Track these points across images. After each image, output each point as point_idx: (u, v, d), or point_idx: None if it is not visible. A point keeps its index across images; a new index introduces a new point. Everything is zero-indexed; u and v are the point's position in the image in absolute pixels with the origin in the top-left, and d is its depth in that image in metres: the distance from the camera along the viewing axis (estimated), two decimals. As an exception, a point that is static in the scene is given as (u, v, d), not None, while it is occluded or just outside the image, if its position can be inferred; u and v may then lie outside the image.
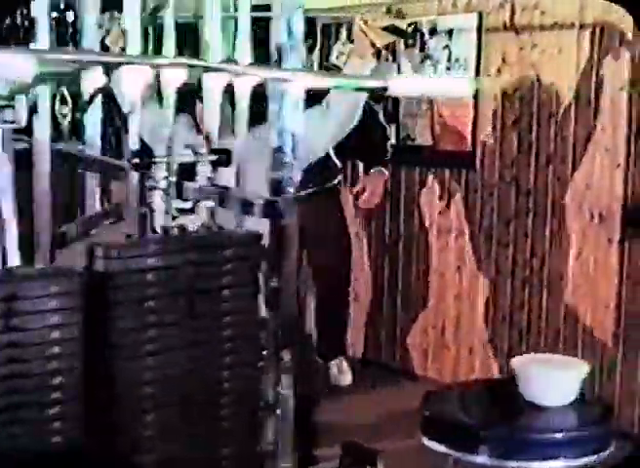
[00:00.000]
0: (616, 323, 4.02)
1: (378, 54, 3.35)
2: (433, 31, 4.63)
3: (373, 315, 5.04)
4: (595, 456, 2.18)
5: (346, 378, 4.69)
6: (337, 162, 4.46)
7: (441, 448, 2.20)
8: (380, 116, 4.56)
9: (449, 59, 4.56)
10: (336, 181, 4.54)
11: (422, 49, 4.67)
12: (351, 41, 5.05)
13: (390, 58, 4.79)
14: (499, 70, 4.39)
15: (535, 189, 4.30)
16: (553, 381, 2.27)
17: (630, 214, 3.98)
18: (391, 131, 4.75)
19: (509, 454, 2.14)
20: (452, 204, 4.65)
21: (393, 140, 4.80)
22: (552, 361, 2.41)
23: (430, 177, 4.75)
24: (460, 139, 4.55)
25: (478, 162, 4.51)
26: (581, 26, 4.03)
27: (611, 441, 2.26)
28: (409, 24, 4.68)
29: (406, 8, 4.72)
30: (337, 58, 5.05)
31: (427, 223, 4.79)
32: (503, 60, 4.36)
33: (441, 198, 4.71)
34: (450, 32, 4.56)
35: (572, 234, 4.18)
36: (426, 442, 2.22)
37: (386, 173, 4.62)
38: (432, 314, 4.78)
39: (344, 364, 4.72)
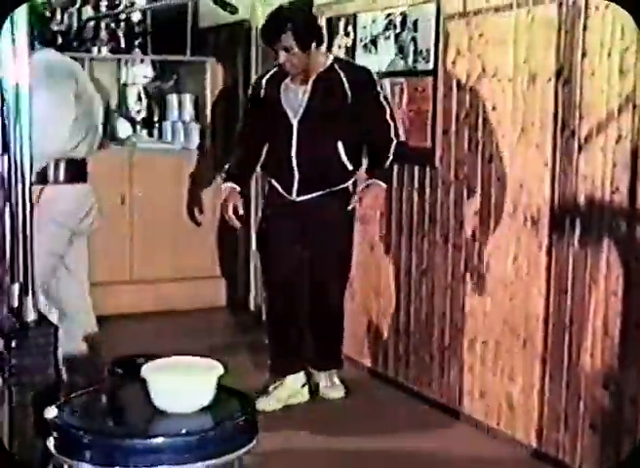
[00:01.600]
0: (544, 334, 3.70)
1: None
2: (404, 22, 4.44)
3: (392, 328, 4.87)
4: (211, 461, 2.06)
5: (336, 393, 4.50)
6: (347, 164, 4.25)
7: (54, 452, 2.15)
8: (387, 113, 4.26)
9: (415, 51, 4.36)
10: (346, 184, 4.30)
11: (397, 40, 4.49)
12: (347, 34, 4.96)
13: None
14: (453, 62, 4.14)
15: (481, 189, 4.02)
16: (175, 389, 2.16)
17: (557, 218, 3.64)
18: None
19: (113, 461, 2.07)
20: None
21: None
22: (182, 366, 2.27)
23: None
24: (422, 135, 4.34)
25: (437, 159, 4.28)
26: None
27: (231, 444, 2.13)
28: (387, 15, 4.53)
29: (382, -1, 4.57)
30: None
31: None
32: (458, 52, 4.11)
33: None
34: (415, 23, 4.36)
35: (509, 238, 3.88)
36: (49, 444, 2.18)
37: (384, 185, 4.22)
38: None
39: (335, 377, 4.53)
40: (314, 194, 4.24)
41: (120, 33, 6.21)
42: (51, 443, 2.17)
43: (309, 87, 4.21)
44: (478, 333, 4.08)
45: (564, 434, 3.64)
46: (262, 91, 4.35)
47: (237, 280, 6.32)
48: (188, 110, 6.38)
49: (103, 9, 6.14)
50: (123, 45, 6.23)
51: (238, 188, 4.36)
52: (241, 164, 4.47)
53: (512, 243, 3.86)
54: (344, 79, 4.18)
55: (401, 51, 4.47)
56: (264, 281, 4.58)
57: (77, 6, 6.11)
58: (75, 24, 6.07)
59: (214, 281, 6.30)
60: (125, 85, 6.58)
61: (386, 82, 4.56)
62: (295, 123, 4.19)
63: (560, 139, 3.59)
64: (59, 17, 6.01)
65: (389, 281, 4.68)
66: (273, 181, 4.34)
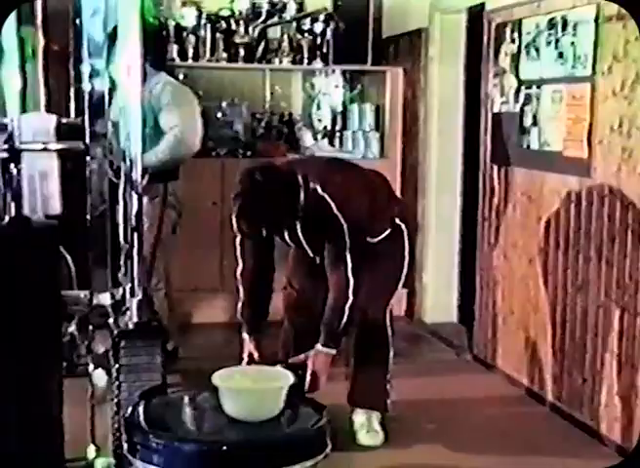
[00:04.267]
0: None
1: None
2: (564, 27, 4.24)
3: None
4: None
5: (374, 439, 3.98)
6: None
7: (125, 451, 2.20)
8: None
9: (574, 57, 4.15)
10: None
11: (557, 46, 4.29)
12: (512, 40, 4.79)
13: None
14: (609, 68, 3.90)
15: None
16: (246, 398, 2.14)
17: None
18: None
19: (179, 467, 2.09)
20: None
21: (535, 145, 4.48)
22: (253, 374, 2.23)
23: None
24: (579, 145, 4.11)
25: (592, 170, 4.05)
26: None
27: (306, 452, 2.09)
28: (549, 20, 4.34)
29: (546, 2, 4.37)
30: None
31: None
32: (614, 57, 3.87)
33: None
34: (575, 27, 4.14)
35: None
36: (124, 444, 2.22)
37: (333, 351, 3.57)
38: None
39: (375, 421, 4.03)
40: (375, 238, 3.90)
41: (303, 44, 6.30)
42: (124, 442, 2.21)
43: None
44: (628, 357, 3.83)
45: None
46: None
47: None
48: (369, 120, 6.39)
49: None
50: (306, 55, 6.32)
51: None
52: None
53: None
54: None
55: (561, 56, 4.27)
56: None
57: (261, 19, 6.26)
58: (257, 36, 6.22)
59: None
60: (310, 95, 6.66)
61: (548, 89, 4.39)
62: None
63: None
64: (242, 29, 6.17)
65: (544, 296, 4.49)
66: None
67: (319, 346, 3.56)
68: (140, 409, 2.26)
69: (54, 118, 4.89)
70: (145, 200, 4.46)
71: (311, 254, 3.80)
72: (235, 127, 6.28)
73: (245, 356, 3.75)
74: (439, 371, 5.04)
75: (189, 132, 4.73)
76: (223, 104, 6.18)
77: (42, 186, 4.62)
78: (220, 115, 6.17)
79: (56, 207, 4.71)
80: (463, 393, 4.65)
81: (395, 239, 3.81)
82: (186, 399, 2.39)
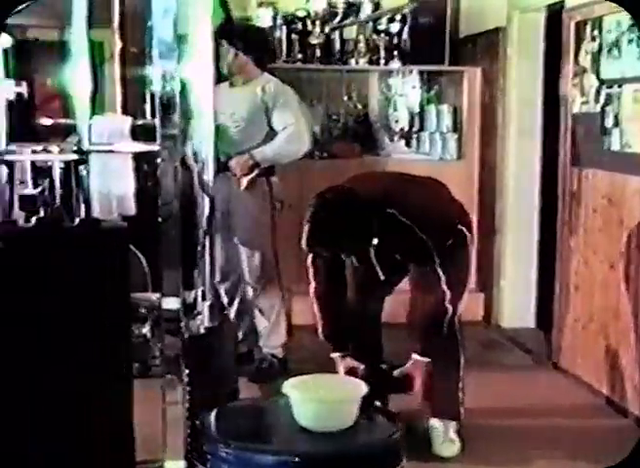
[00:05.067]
0: None
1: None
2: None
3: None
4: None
5: (450, 449, 3.87)
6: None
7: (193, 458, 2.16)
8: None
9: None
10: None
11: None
12: (593, 38, 4.66)
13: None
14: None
15: None
16: (320, 408, 2.08)
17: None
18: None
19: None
20: None
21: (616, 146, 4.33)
22: (326, 384, 2.16)
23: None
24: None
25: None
26: None
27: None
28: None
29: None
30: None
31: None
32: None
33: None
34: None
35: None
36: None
37: (426, 359, 3.65)
38: None
39: (451, 430, 3.91)
40: None
41: (379, 44, 6.24)
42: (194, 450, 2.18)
43: None
44: None
45: None
46: None
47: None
48: (446, 121, 6.30)
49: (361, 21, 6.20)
50: (382, 56, 6.26)
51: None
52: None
53: None
54: None
55: (644, 54, 4.15)
56: None
57: (337, 19, 6.22)
58: (333, 37, 6.19)
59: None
60: (386, 96, 6.60)
61: (630, 88, 4.26)
62: None
63: None
64: (318, 30, 6.13)
65: (626, 303, 4.35)
66: None
67: (417, 356, 3.62)
68: (212, 416, 2.22)
69: (129, 119, 4.92)
70: (245, 194, 4.68)
71: (382, 273, 3.77)
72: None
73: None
74: (516, 379, 4.91)
75: (305, 130, 4.80)
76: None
77: (117, 187, 4.69)
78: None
79: (131, 208, 4.76)
80: (541, 401, 4.53)
81: (459, 245, 3.74)
82: (258, 407, 2.35)
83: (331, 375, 2.24)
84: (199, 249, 2.65)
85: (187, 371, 2.45)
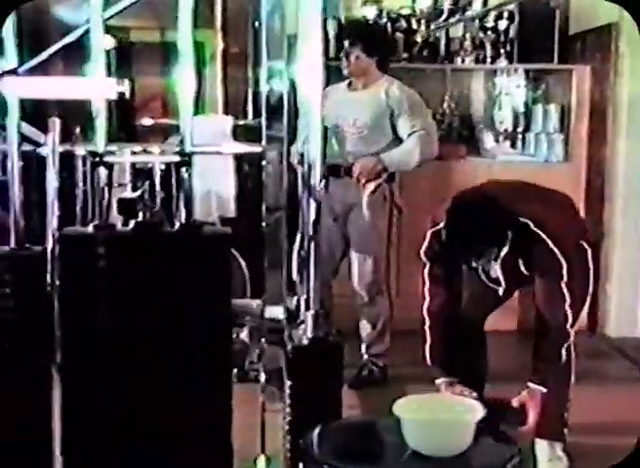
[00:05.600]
0: None
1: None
2: None
3: None
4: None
5: (557, 467, 3.72)
6: None
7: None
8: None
9: None
10: None
11: None
12: None
13: None
14: None
15: None
16: (434, 431, 1.95)
17: None
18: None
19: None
20: None
21: None
22: (438, 405, 2.02)
23: None
24: None
25: None
26: None
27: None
28: None
29: None
30: None
31: None
32: None
33: None
34: None
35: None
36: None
37: (543, 389, 3.40)
38: None
39: (558, 448, 3.73)
40: None
41: (485, 42, 6.08)
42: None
43: None
44: None
45: None
46: None
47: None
48: (553, 121, 6.09)
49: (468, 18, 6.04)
50: (489, 54, 6.09)
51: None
52: None
53: None
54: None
55: None
56: None
57: (443, 17, 6.07)
58: (439, 35, 6.05)
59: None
60: (491, 95, 6.42)
61: None
62: None
63: None
64: (423, 28, 6.01)
65: None
66: None
67: (533, 385, 3.40)
68: (315, 434, 2.12)
69: (230, 120, 4.90)
70: (367, 200, 4.57)
71: (503, 287, 3.59)
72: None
73: None
74: (622, 392, 4.70)
75: (433, 133, 4.73)
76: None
77: (217, 188, 4.67)
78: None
79: (231, 209, 4.73)
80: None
81: (582, 262, 3.55)
82: (365, 426, 2.23)
83: (443, 395, 2.11)
84: (303, 255, 2.56)
85: (290, 384, 2.36)
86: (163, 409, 2.47)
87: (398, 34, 5.97)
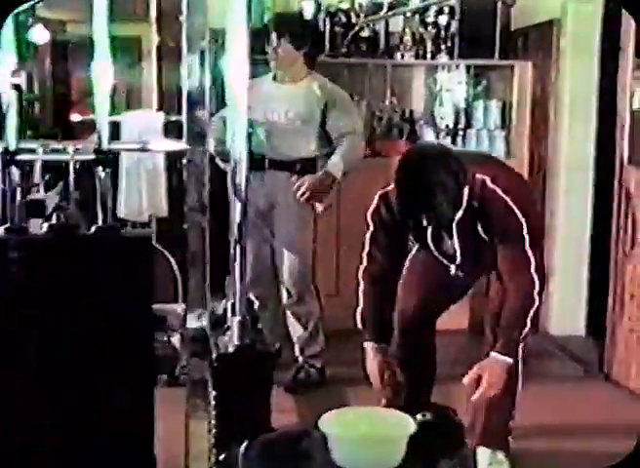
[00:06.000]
0: None
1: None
2: None
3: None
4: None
5: None
6: None
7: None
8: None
9: None
10: None
11: None
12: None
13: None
14: None
15: None
16: (362, 448, 1.84)
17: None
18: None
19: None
20: None
21: None
22: (368, 419, 1.91)
23: None
24: None
25: None
26: None
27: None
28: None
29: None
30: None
31: None
32: None
33: None
34: None
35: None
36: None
37: (510, 360, 3.29)
38: None
39: (499, 452, 3.62)
40: None
41: (426, 37, 6.00)
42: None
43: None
44: None
45: None
46: None
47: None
48: (494, 117, 6.04)
49: (408, 13, 5.95)
50: (429, 49, 6.01)
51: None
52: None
53: None
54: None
55: None
56: None
57: (383, 11, 5.97)
58: (378, 30, 5.96)
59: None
60: (432, 91, 6.35)
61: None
62: None
63: None
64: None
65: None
66: None
67: (496, 355, 3.26)
68: (240, 450, 2.00)
69: (161, 116, 4.74)
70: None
71: (458, 261, 3.43)
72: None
73: (374, 372, 3.38)
74: (565, 391, 4.64)
75: (362, 137, 4.64)
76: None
77: (148, 187, 4.53)
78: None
79: (162, 209, 4.59)
80: (592, 417, 4.26)
81: (537, 224, 3.46)
82: (293, 440, 2.11)
83: (373, 409, 2.00)
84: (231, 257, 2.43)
85: (214, 394, 2.23)
86: (83, 412, 2.37)
87: (337, 29, 5.86)
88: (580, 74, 5.49)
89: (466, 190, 3.16)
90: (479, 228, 3.26)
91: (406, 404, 3.37)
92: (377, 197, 3.35)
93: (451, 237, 3.36)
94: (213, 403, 2.25)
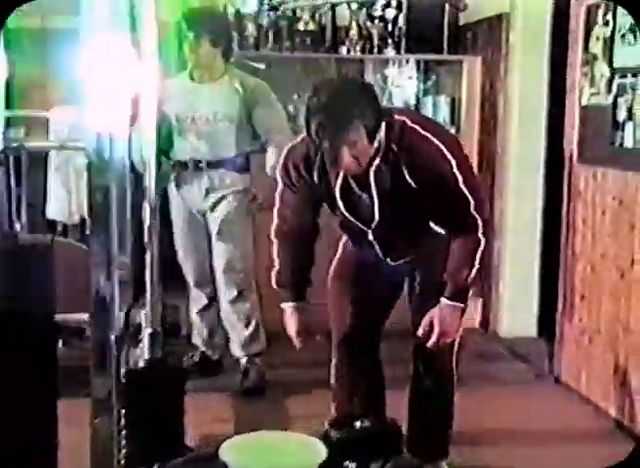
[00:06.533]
0: None
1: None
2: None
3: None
4: None
5: None
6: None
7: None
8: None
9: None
10: None
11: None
12: (606, 23, 4.26)
13: None
14: None
15: None
16: None
17: None
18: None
19: None
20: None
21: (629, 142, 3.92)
22: (271, 448, 1.75)
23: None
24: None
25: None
26: None
27: None
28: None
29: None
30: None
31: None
32: None
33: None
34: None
35: None
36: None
37: (461, 305, 3.11)
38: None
39: (442, 462, 3.43)
40: None
41: (373, 31, 5.84)
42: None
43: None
44: None
45: None
46: None
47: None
48: (443, 113, 5.91)
49: (354, 6, 5.79)
50: (376, 44, 5.86)
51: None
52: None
53: None
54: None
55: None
56: None
57: (328, 6, 5.81)
58: (328, 24, 5.80)
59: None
60: (381, 87, 6.20)
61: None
62: None
63: None
64: (307, 16, 5.74)
65: (638, 315, 3.97)
66: None
67: (446, 300, 3.07)
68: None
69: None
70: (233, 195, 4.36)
71: (376, 221, 3.13)
72: (300, 121, 5.85)
73: (294, 331, 3.22)
74: (514, 395, 4.51)
75: (287, 135, 4.42)
76: (294, 97, 5.74)
77: (77, 188, 4.35)
78: (291, 109, 5.71)
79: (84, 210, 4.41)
80: (542, 421, 4.13)
81: (469, 166, 3.19)
82: (204, 462, 1.94)
83: (280, 434, 1.82)
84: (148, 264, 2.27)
85: (122, 412, 2.05)
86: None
87: (282, 22, 5.69)
88: (529, 70, 5.37)
89: (383, 130, 2.92)
90: (405, 175, 2.98)
91: (348, 412, 3.24)
92: (285, 150, 3.16)
93: (365, 190, 3.07)
94: (122, 421, 2.07)
